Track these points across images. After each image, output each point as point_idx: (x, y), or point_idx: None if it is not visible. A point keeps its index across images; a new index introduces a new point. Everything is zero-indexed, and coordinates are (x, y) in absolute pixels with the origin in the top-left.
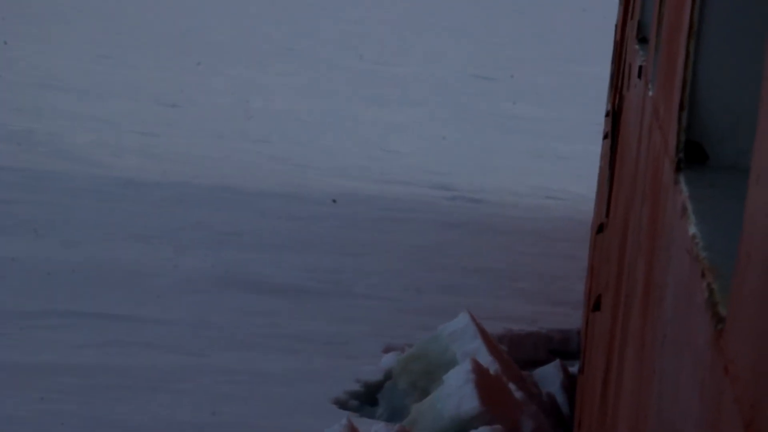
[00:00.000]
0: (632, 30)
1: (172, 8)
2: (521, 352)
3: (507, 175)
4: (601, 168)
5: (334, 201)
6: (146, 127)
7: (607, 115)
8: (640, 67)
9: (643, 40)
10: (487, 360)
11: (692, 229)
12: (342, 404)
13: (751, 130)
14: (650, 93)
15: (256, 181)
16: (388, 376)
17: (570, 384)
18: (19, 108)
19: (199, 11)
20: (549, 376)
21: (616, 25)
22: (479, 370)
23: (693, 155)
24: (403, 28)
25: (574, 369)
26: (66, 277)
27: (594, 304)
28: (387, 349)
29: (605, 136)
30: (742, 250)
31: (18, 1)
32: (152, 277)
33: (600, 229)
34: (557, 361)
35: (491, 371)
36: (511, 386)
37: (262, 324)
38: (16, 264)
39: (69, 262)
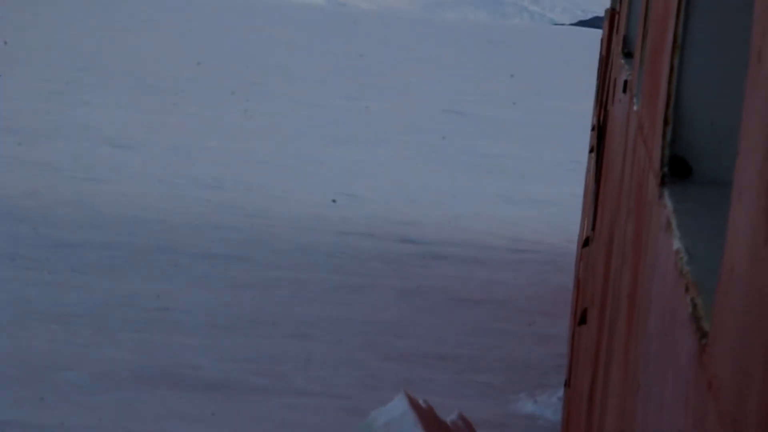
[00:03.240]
0: (618, 45)
1: (138, 43)
2: None
3: (477, 224)
4: (586, 182)
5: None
6: (90, 172)
7: (592, 129)
8: (625, 82)
9: (628, 54)
10: None
11: (676, 244)
12: None
13: (735, 145)
14: (635, 108)
15: (199, 240)
16: None
17: None
18: None
19: (166, 47)
20: None
21: (602, 40)
22: None
23: (677, 170)
24: (374, 61)
25: None
26: None
27: (580, 318)
28: None
29: (591, 150)
30: (725, 265)
31: None
32: (62, 371)
33: (586, 242)
34: None
35: None
36: None
37: None
38: None
39: None
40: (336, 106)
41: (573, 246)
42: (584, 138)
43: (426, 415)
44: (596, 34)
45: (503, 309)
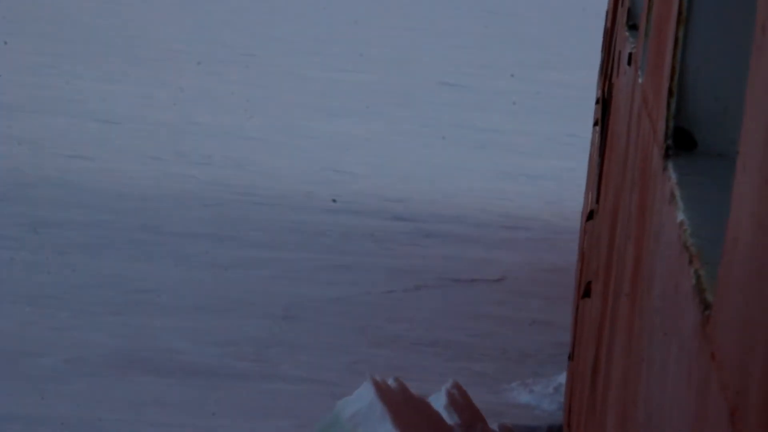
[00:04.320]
0: (622, 17)
1: (129, 14)
2: None
3: (471, 201)
4: (590, 155)
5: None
6: (75, 148)
7: (596, 102)
8: (630, 54)
9: (633, 27)
10: None
11: (680, 216)
12: None
13: (740, 117)
14: (640, 80)
15: (183, 218)
16: None
17: None
18: None
19: (157, 18)
20: None
21: (607, 12)
22: None
23: (681, 142)
24: (368, 30)
25: None
26: None
27: (584, 291)
28: None
29: (595, 123)
30: (729, 236)
31: None
32: (35, 357)
33: (590, 215)
34: None
35: None
36: None
37: (161, 422)
38: None
39: None
40: (328, 77)
41: (567, 223)
42: (580, 111)
43: (397, 398)
44: (595, 4)
45: (497, 291)
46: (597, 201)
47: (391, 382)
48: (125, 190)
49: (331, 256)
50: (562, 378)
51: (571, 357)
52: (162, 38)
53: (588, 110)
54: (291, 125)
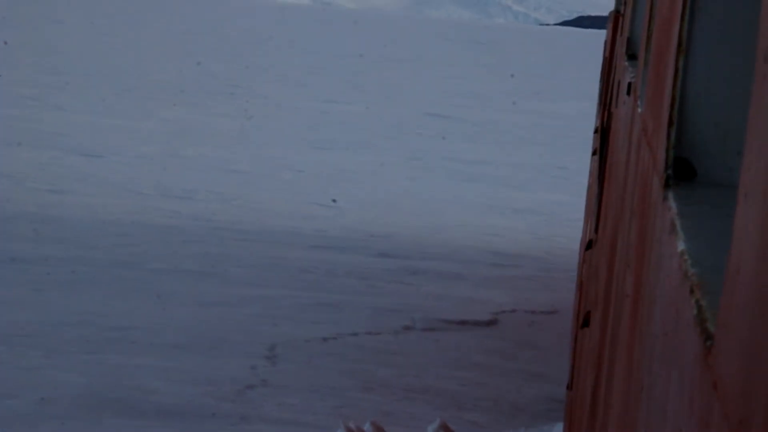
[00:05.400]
0: (621, 46)
1: (117, 44)
2: None
3: (458, 236)
4: (590, 184)
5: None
6: (55, 183)
7: (595, 131)
8: (630, 84)
9: (632, 56)
10: None
11: (681, 246)
12: None
13: (740, 146)
14: (639, 110)
15: (164, 254)
16: None
17: None
18: None
19: (145, 49)
20: None
21: (606, 42)
22: None
23: (681, 172)
24: (357, 61)
25: None
26: None
27: (583, 321)
28: None
29: (594, 153)
30: (730, 266)
31: None
32: (3, 398)
33: (589, 245)
34: None
35: None
36: None
37: None
38: None
39: None
40: (316, 108)
41: (557, 259)
42: (570, 142)
43: None
44: (581, 34)
45: (489, 337)
46: (596, 230)
47: (367, 427)
48: (105, 225)
49: (316, 293)
50: (559, 428)
51: (569, 386)
52: (149, 69)
53: (578, 141)
54: (277, 158)
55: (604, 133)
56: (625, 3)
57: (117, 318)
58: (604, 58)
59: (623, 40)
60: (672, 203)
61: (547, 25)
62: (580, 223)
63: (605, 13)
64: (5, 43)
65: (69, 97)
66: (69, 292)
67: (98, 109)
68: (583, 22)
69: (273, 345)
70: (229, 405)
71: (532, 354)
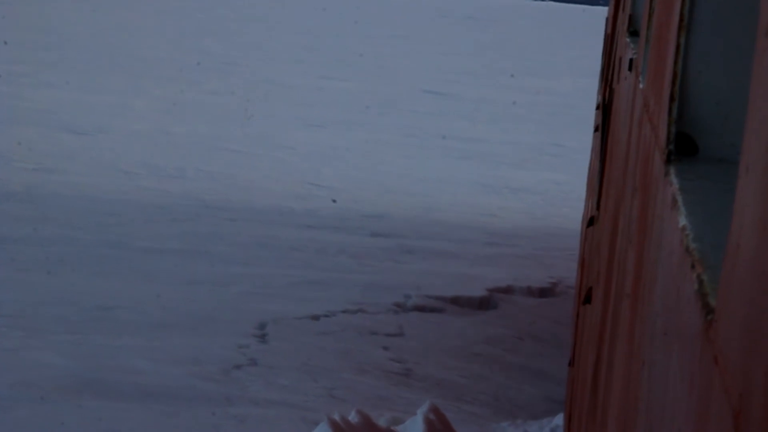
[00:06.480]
0: (623, 23)
1: (110, 22)
2: None
3: (453, 215)
4: (591, 161)
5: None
6: (42, 161)
7: (597, 108)
8: (631, 60)
9: (634, 33)
10: None
11: (682, 221)
12: None
13: (741, 122)
14: (641, 86)
15: (152, 233)
16: None
17: None
18: None
19: (139, 27)
20: None
21: (607, 18)
22: None
23: (683, 147)
24: (353, 38)
25: None
26: None
27: (585, 297)
28: None
29: (596, 129)
30: (731, 241)
31: None
32: None
33: (591, 221)
34: None
35: None
36: None
37: None
38: None
39: None
40: (310, 86)
41: (553, 238)
42: (566, 119)
43: None
44: (576, 11)
45: (489, 325)
46: (597, 207)
47: (352, 416)
48: (92, 204)
49: (307, 271)
50: (559, 420)
51: (571, 363)
52: (142, 47)
53: (574, 119)
54: (269, 136)
55: (605, 109)
56: None
57: (101, 297)
58: (606, 35)
59: (625, 17)
60: (673, 179)
61: (543, 0)
62: (577, 202)
63: None
64: (5, 43)
65: (59, 75)
66: (53, 272)
67: (89, 86)
68: None
69: (263, 323)
70: (215, 385)
71: (533, 348)
